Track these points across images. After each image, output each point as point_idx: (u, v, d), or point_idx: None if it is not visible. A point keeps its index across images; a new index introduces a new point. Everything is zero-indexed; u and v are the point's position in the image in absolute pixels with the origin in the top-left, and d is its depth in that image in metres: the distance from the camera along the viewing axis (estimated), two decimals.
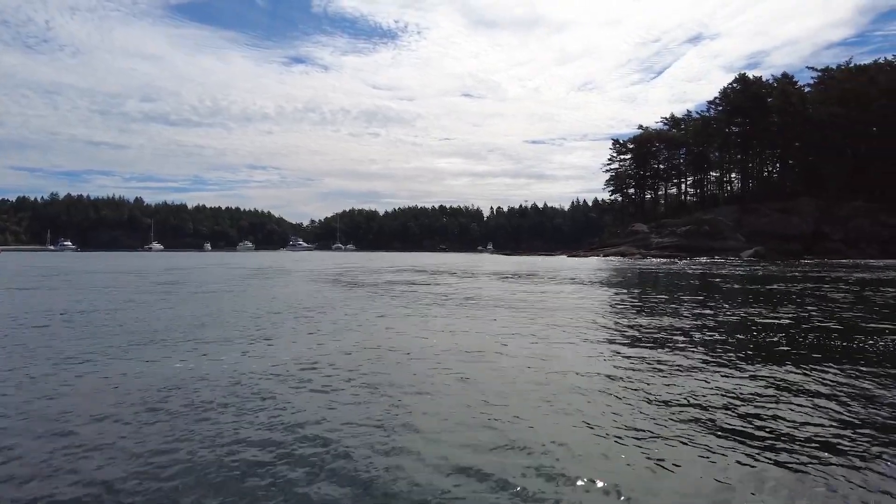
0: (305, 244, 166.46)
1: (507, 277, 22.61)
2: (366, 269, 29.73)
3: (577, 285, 17.96)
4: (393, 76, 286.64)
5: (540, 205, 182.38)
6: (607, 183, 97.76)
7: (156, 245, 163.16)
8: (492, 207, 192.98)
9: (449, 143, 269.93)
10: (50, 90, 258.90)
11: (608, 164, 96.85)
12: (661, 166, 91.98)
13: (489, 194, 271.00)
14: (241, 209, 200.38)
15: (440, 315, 9.82)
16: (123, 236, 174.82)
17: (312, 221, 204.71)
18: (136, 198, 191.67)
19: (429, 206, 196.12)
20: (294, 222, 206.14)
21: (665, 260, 50.85)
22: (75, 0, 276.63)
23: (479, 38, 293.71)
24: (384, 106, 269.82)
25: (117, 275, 23.88)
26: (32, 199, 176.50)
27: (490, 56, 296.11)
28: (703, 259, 51.18)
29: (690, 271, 28.53)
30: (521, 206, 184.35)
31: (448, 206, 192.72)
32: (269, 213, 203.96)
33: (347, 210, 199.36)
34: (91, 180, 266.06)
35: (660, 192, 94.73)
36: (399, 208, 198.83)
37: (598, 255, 63.94)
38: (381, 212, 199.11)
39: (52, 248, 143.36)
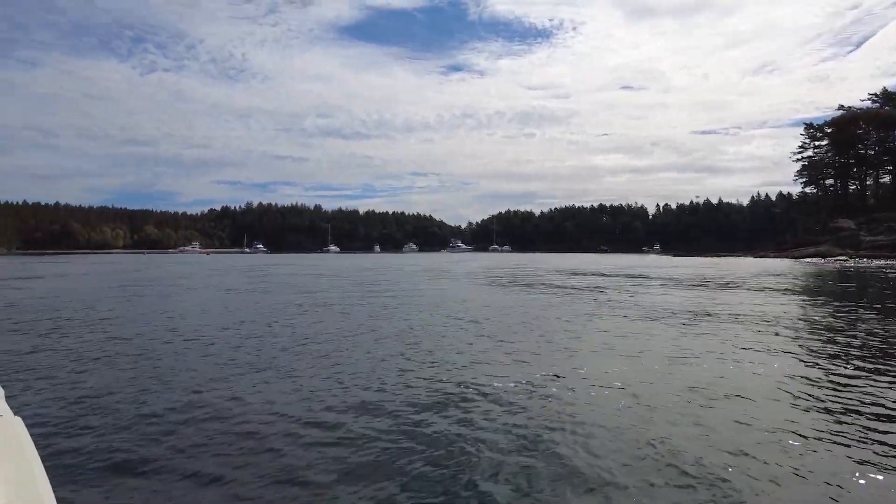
0: (464, 245, 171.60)
1: None
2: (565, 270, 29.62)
3: None
4: (548, 75, 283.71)
5: (714, 200, 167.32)
6: (799, 173, 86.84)
7: (333, 247, 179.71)
8: (657, 205, 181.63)
9: (607, 138, 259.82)
10: (245, 114, 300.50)
11: (799, 153, 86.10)
12: (870, 151, 79.04)
13: (653, 191, 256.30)
14: (406, 213, 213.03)
15: None
16: (305, 240, 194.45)
17: (470, 224, 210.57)
18: (316, 205, 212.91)
19: (586, 205, 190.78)
20: (453, 225, 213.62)
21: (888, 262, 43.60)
22: (264, 34, 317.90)
23: (637, 27, 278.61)
24: (539, 106, 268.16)
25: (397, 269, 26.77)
26: (233, 208, 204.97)
27: (651, 45, 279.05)
28: None
29: None
30: (691, 202, 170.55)
31: (608, 205, 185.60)
32: (430, 216, 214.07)
33: (503, 212, 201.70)
34: (277, 190, 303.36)
35: (867, 182, 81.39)
36: (555, 208, 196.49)
37: (791, 257, 56.89)
38: (537, 212, 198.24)
39: (247, 250, 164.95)
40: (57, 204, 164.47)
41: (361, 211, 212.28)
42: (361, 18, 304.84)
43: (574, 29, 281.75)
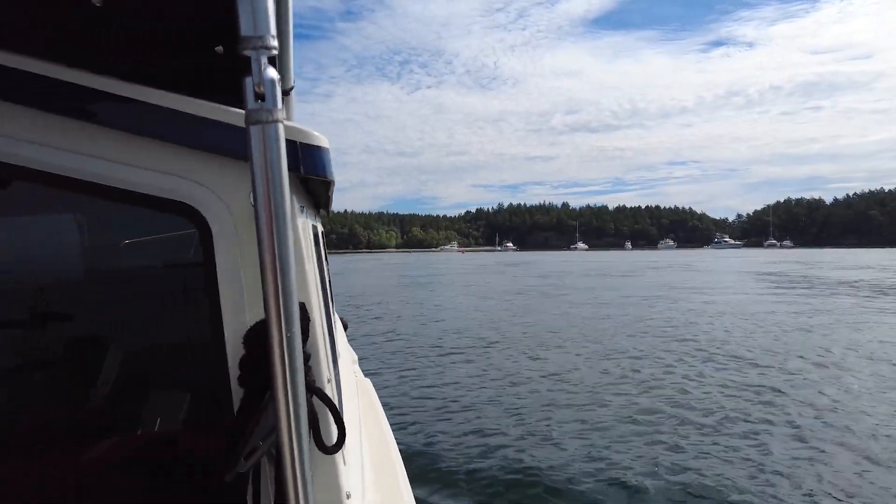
0: (732, 241, 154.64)
1: None
2: None
3: None
4: (839, 34, 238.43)
5: None
6: None
7: (580, 245, 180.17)
8: None
9: None
10: (497, 119, 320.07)
11: None
12: None
13: None
14: (661, 207, 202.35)
15: None
16: (553, 238, 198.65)
17: (739, 216, 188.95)
18: (563, 203, 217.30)
19: None
20: (717, 217, 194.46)
21: None
22: (514, 39, 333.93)
23: None
24: (829, 72, 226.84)
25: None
26: (486, 209, 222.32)
27: None
28: None
29: None
30: None
31: None
32: (689, 209, 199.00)
33: (782, 201, 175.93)
34: (526, 190, 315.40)
35: None
36: (855, 194, 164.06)
37: None
38: (828, 199, 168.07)
39: (498, 248, 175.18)
40: (345, 210, 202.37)
41: (611, 206, 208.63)
42: (612, 7, 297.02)
43: None
